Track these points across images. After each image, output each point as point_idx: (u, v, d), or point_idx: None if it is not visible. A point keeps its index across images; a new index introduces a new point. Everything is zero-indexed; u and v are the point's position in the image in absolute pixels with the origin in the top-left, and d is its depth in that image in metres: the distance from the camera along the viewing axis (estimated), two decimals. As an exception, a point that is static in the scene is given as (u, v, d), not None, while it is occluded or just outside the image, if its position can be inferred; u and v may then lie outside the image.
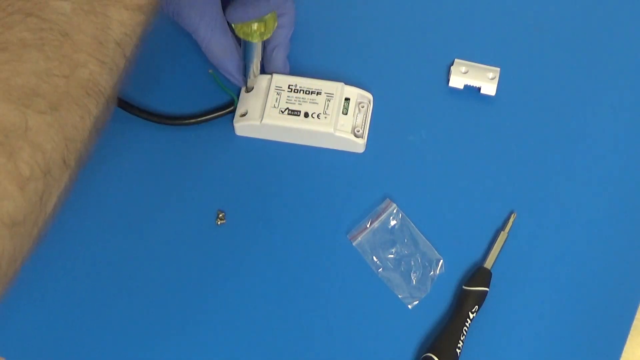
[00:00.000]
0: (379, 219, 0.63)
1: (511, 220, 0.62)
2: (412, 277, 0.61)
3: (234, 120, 0.65)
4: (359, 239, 0.62)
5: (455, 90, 0.68)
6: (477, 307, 0.59)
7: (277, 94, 0.64)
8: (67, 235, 0.62)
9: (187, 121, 0.66)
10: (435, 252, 0.62)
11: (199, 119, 0.66)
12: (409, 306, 0.60)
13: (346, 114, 0.64)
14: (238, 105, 0.66)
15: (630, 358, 0.60)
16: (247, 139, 0.66)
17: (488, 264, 0.60)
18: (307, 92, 0.64)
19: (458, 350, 0.57)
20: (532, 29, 0.71)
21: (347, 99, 0.65)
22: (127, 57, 0.45)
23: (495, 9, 0.72)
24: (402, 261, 0.61)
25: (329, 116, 0.63)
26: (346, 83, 0.65)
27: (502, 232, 0.62)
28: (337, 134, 0.63)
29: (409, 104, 0.68)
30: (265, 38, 0.62)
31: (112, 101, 0.45)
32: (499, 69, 0.68)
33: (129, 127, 0.66)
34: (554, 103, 0.68)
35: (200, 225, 0.63)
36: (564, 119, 0.67)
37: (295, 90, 0.64)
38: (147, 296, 0.60)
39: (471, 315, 0.58)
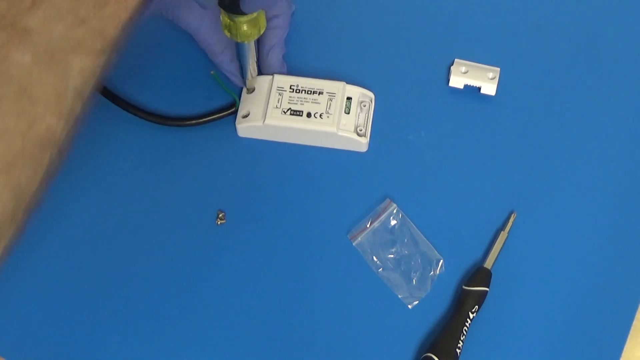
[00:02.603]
0: (379, 219, 0.63)
1: (511, 220, 0.62)
2: (412, 277, 0.61)
3: (236, 122, 0.65)
4: (359, 239, 0.62)
5: (455, 90, 0.68)
6: (477, 307, 0.59)
7: (279, 94, 0.64)
8: (67, 235, 0.62)
9: (189, 122, 0.66)
10: (435, 252, 0.62)
11: (201, 120, 0.66)
12: (409, 306, 0.60)
13: (348, 113, 0.64)
14: (240, 107, 0.66)
15: (630, 358, 0.60)
16: (248, 140, 0.66)
17: (488, 264, 0.60)
18: (309, 92, 0.64)
19: (458, 350, 0.57)
20: (532, 29, 0.71)
21: (349, 98, 0.65)
22: (85, 99, 0.44)
23: (495, 9, 0.72)
24: (402, 261, 0.61)
25: (331, 115, 0.63)
26: (347, 82, 0.65)
27: (502, 232, 0.62)
28: (340, 133, 0.63)
29: (409, 103, 0.68)
30: (254, 39, 0.61)
31: (66, 148, 0.44)
32: (499, 69, 0.68)
33: (132, 128, 0.66)
34: (553, 103, 0.68)
35: (200, 225, 0.63)
36: (564, 119, 0.67)
37: (297, 91, 0.64)
38: (147, 296, 0.60)
39: (471, 315, 0.58)
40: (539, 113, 0.68)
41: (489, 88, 0.67)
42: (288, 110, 0.63)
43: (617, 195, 0.65)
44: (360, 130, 0.64)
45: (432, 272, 0.61)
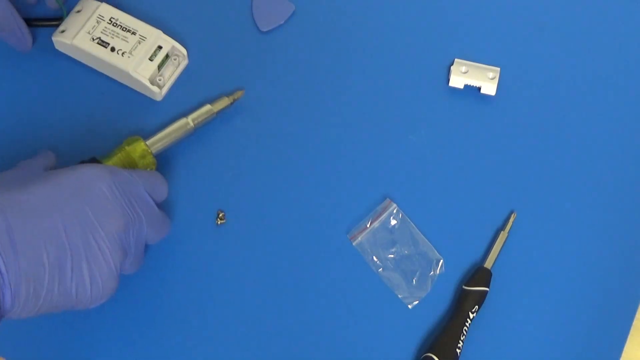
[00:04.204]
0: (379, 219, 0.63)
1: (511, 220, 0.62)
2: (412, 277, 0.61)
3: (53, 35, 0.67)
4: (359, 239, 0.62)
5: (455, 90, 0.68)
6: (477, 307, 0.59)
7: (97, 22, 0.67)
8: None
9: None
10: (435, 252, 0.62)
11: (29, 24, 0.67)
12: (409, 306, 0.60)
13: (152, 60, 0.66)
14: (64, 22, 0.68)
15: (631, 358, 0.60)
16: (65, 57, 0.68)
17: (488, 264, 0.60)
18: (124, 29, 0.66)
19: (458, 350, 0.57)
20: (532, 29, 0.71)
21: (160, 47, 0.67)
22: None
23: (495, 9, 0.72)
24: (402, 261, 0.61)
25: (132, 57, 0.66)
26: (164, 32, 0.67)
27: (502, 232, 0.62)
28: (134, 75, 0.65)
29: (408, 103, 0.68)
30: None
31: None
32: (499, 69, 0.68)
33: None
34: (554, 103, 0.68)
35: (200, 225, 0.63)
36: (564, 119, 0.67)
37: (114, 24, 0.67)
38: (146, 296, 0.60)
39: (471, 315, 0.58)
40: (538, 113, 0.68)
41: (489, 88, 0.67)
42: (97, 39, 0.66)
43: (617, 195, 0.65)
44: (159, 80, 0.66)
45: (432, 272, 0.61)
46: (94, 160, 0.60)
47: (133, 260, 0.55)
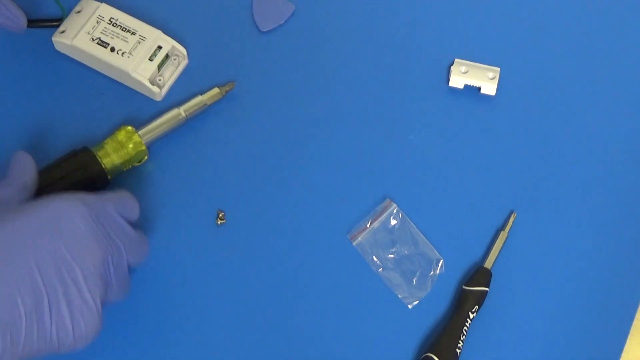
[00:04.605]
0: (379, 219, 0.63)
1: (511, 220, 0.62)
2: (412, 277, 0.61)
3: (53, 35, 0.67)
4: (359, 239, 0.62)
5: (455, 90, 0.68)
6: (477, 307, 0.59)
7: (97, 22, 0.67)
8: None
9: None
10: (435, 252, 0.62)
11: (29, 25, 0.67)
12: (409, 306, 0.60)
13: (152, 60, 0.66)
14: (64, 23, 0.68)
15: (631, 358, 0.60)
16: (65, 57, 0.68)
17: (488, 264, 0.60)
18: (124, 29, 0.66)
19: (458, 350, 0.57)
20: (532, 29, 0.71)
21: (160, 47, 0.67)
22: None
23: (495, 9, 0.72)
24: (402, 261, 0.61)
25: (132, 57, 0.66)
26: (165, 32, 0.67)
27: (502, 232, 0.62)
28: (133, 75, 0.65)
29: (408, 103, 0.68)
30: None
31: None
32: (499, 69, 0.68)
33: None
34: (554, 103, 0.68)
35: (200, 225, 0.63)
36: (564, 119, 0.67)
37: (114, 25, 0.67)
38: (146, 296, 0.60)
39: (471, 315, 0.58)
40: (539, 113, 0.68)
41: (489, 88, 0.67)
42: (97, 39, 0.66)
43: (617, 195, 0.65)
44: (159, 80, 0.66)
45: (432, 272, 0.61)
46: (85, 149, 0.60)
47: (117, 291, 0.53)
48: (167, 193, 0.64)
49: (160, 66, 0.67)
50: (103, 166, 0.60)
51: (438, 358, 0.56)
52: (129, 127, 0.62)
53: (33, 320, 0.46)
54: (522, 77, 0.69)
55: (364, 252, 0.62)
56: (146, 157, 0.63)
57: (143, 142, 0.62)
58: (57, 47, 0.68)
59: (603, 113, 0.68)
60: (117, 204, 0.53)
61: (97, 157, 0.60)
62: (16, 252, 0.47)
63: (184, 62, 0.68)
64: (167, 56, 0.67)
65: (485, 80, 0.67)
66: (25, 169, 0.55)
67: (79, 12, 0.68)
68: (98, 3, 0.68)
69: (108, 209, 0.52)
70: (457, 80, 0.68)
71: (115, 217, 0.52)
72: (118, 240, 0.52)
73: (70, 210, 0.49)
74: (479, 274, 0.60)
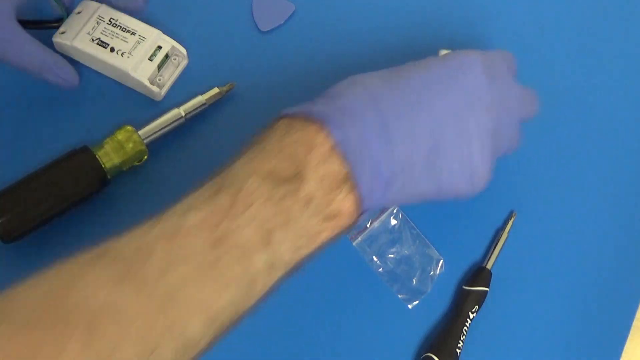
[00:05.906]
0: (379, 218, 0.63)
1: (511, 220, 0.62)
2: (412, 277, 0.61)
3: (54, 36, 0.67)
4: (359, 239, 0.62)
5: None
6: (477, 307, 0.59)
7: (97, 23, 0.67)
8: (68, 234, 0.62)
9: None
10: (435, 252, 0.62)
11: (25, 25, 0.66)
12: (409, 306, 0.60)
13: (152, 60, 0.66)
14: (64, 24, 0.68)
15: (631, 358, 0.60)
16: (65, 57, 0.67)
17: (488, 264, 0.60)
18: (123, 30, 0.67)
19: (458, 350, 0.57)
20: (532, 29, 0.71)
21: (159, 47, 0.67)
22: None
23: (495, 9, 0.72)
24: (402, 261, 0.61)
25: (131, 57, 0.66)
26: (164, 32, 0.67)
27: (502, 232, 0.62)
28: (133, 75, 0.66)
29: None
30: None
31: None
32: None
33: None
34: (553, 103, 0.68)
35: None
36: (564, 119, 0.67)
37: (114, 25, 0.67)
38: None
39: (471, 315, 0.58)
40: (538, 113, 0.67)
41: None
42: (97, 39, 0.66)
43: (617, 195, 0.65)
44: (159, 80, 0.67)
45: (432, 272, 0.61)
46: (85, 149, 0.60)
47: (507, 144, 0.55)
48: (167, 193, 0.64)
49: (160, 66, 0.67)
50: (103, 166, 0.60)
51: (438, 358, 0.56)
52: (129, 127, 0.62)
53: (424, 168, 0.49)
54: (521, 77, 0.69)
55: (363, 252, 0.62)
56: (146, 157, 0.63)
57: (143, 142, 0.62)
58: (58, 47, 0.68)
59: (603, 113, 0.68)
60: (506, 58, 0.56)
61: (97, 156, 0.60)
62: (419, 105, 0.49)
63: (184, 62, 0.68)
64: (167, 56, 0.67)
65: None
66: None
67: (79, 13, 0.68)
68: (98, 4, 0.68)
69: (499, 64, 0.54)
70: (457, 80, 0.68)
71: (505, 71, 0.54)
72: (508, 98, 0.53)
73: (471, 64, 0.52)
74: (479, 274, 0.60)
